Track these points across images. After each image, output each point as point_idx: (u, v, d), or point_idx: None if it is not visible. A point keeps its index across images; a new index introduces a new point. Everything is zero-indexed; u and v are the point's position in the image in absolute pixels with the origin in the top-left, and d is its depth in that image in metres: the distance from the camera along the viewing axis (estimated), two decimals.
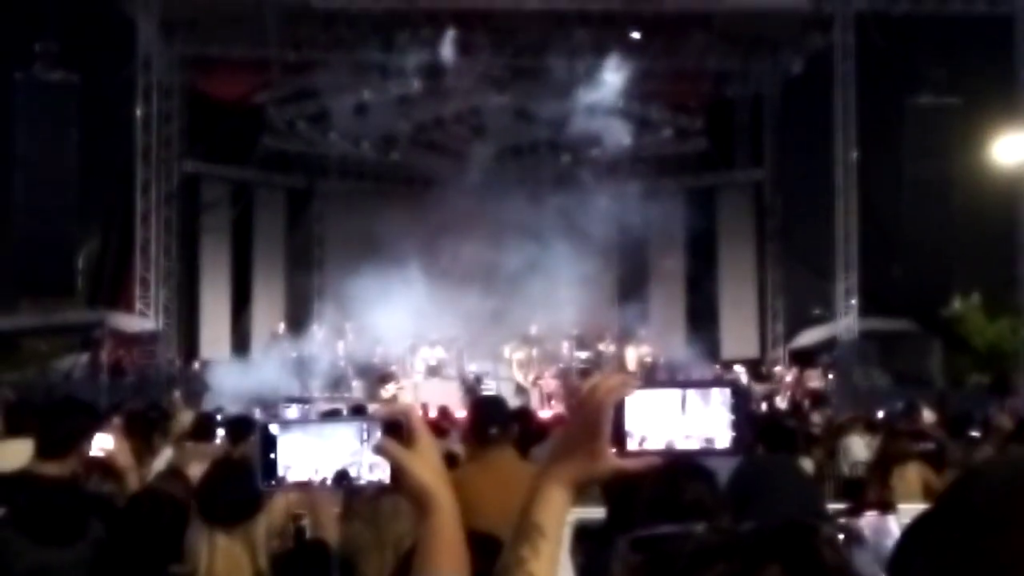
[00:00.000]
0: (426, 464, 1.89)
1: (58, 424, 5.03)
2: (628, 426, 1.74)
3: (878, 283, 26.15)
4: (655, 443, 1.75)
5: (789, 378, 26.54)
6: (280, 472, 1.94)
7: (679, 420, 1.74)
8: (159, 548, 3.92)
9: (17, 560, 4.18)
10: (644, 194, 28.40)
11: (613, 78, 26.67)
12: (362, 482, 1.96)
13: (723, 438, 1.73)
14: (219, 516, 3.77)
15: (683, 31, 27.72)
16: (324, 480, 1.95)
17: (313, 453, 1.94)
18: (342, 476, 1.94)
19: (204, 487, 4.00)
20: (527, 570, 1.74)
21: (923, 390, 24.62)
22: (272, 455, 1.94)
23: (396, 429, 1.90)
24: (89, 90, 24.22)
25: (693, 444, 1.74)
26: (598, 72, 26.78)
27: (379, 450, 1.89)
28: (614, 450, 1.74)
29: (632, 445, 1.74)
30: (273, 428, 1.96)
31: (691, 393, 1.75)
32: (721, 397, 1.74)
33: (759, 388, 25.64)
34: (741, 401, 1.76)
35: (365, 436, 1.92)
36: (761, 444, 7.29)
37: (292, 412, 11.93)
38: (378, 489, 1.99)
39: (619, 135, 29.52)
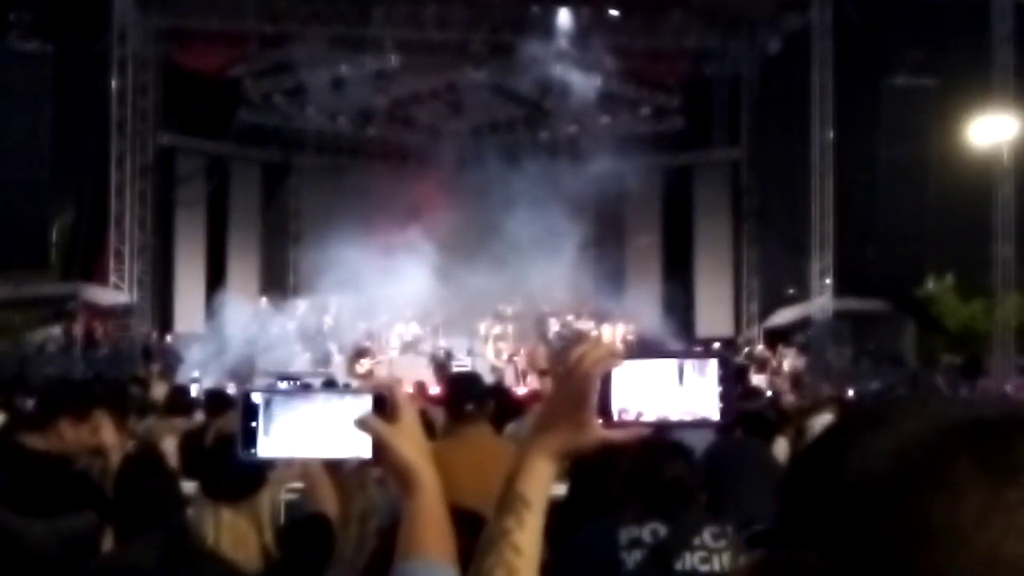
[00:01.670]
0: (409, 440, 1.87)
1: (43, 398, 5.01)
2: (624, 399, 1.74)
3: (853, 263, 26.25)
4: (650, 415, 1.75)
5: (765, 355, 26.62)
6: (260, 442, 1.94)
7: (672, 392, 1.74)
8: (150, 518, 3.91)
9: None
10: (621, 172, 28.42)
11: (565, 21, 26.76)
12: (343, 458, 1.96)
13: (713, 410, 1.73)
14: (224, 491, 3.77)
15: (661, 9, 27.74)
16: (304, 454, 1.95)
17: (295, 424, 1.93)
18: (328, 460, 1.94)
19: (207, 462, 4.00)
20: (511, 541, 1.73)
21: (896, 370, 24.85)
22: (253, 424, 1.93)
23: (381, 404, 1.89)
24: (64, 61, 23.98)
25: (685, 416, 1.74)
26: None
27: (362, 425, 1.86)
28: (600, 421, 1.73)
29: (628, 417, 1.74)
30: (255, 397, 1.95)
31: (684, 364, 1.75)
32: (710, 368, 1.75)
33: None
34: (728, 373, 1.76)
35: (348, 410, 1.91)
36: (740, 427, 7.36)
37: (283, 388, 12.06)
38: (359, 464, 1.97)
39: (595, 113, 29.55)
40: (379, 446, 1.86)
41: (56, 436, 4.91)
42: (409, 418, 1.89)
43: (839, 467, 0.94)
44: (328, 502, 4.37)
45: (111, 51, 25.82)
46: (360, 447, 1.90)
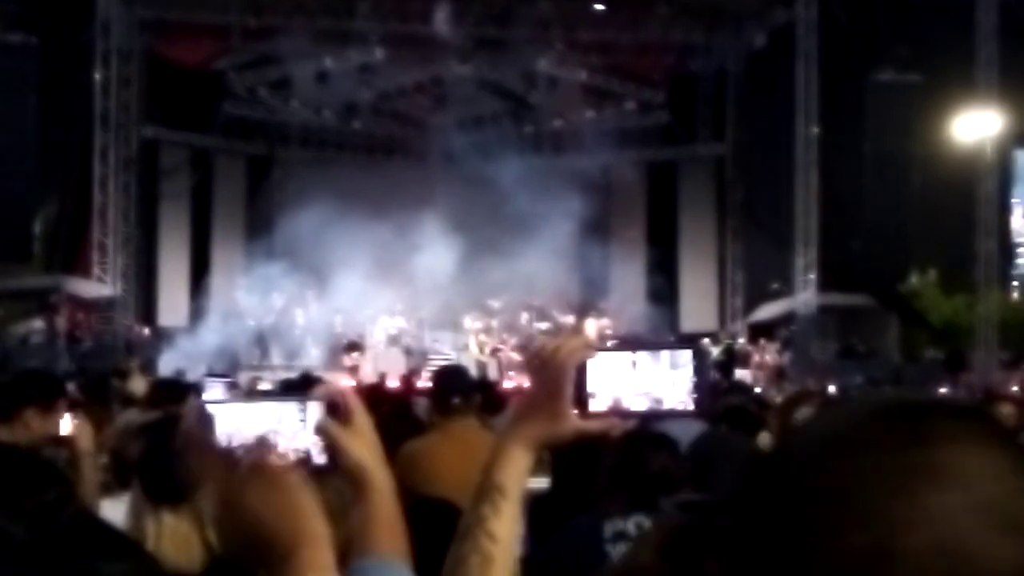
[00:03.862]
0: (363, 443, 1.91)
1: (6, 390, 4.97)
2: (600, 388, 1.76)
3: (837, 258, 26.31)
4: (625, 404, 1.77)
5: (748, 349, 26.69)
6: None
7: (646, 382, 1.76)
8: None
9: None
10: (605, 166, 28.46)
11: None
12: (286, 454, 1.96)
13: (687, 400, 1.75)
14: (164, 495, 3.67)
15: (647, 4, 27.72)
16: (245, 446, 1.95)
17: (248, 432, 1.94)
18: (261, 442, 1.94)
19: (145, 464, 3.87)
20: (487, 529, 1.77)
21: (879, 365, 24.92)
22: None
23: (334, 409, 1.91)
24: (47, 53, 23.88)
25: (660, 405, 1.77)
26: None
27: (319, 430, 1.90)
28: (576, 411, 1.76)
29: (602, 406, 1.77)
30: (208, 408, 1.96)
31: (659, 355, 1.77)
32: (683, 359, 1.76)
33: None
34: (702, 363, 1.78)
35: (303, 415, 1.93)
36: (724, 422, 7.38)
37: (216, 390, 11.79)
38: (314, 469, 1.98)
39: (580, 107, 29.59)
40: (334, 449, 1.90)
41: (23, 427, 4.89)
42: (361, 422, 1.92)
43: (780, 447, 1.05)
44: None
45: (95, 43, 25.72)
46: (314, 451, 1.93)
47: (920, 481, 0.90)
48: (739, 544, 0.99)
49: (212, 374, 18.24)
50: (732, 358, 26.12)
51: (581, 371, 1.77)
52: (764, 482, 0.99)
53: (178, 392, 9.48)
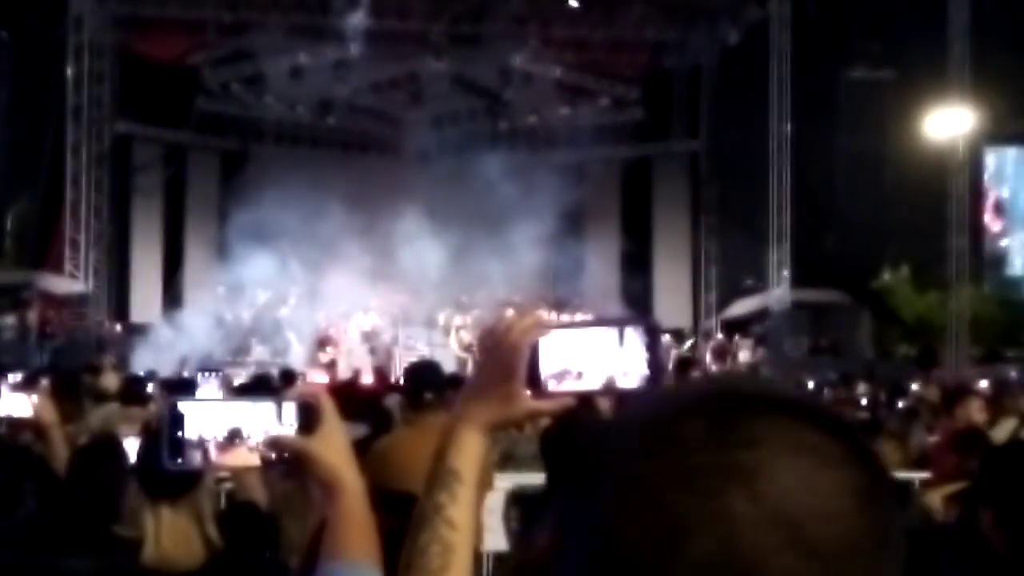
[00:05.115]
0: (330, 447, 1.87)
1: None
2: (586, 366, 1.74)
3: (810, 254, 26.41)
4: (578, 382, 1.74)
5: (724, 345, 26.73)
6: (187, 451, 1.92)
7: (600, 361, 1.73)
8: (101, 506, 3.84)
9: None
10: (580, 163, 28.46)
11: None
12: (255, 443, 1.94)
13: (639, 376, 1.72)
14: (162, 490, 3.68)
15: (621, 1, 27.74)
16: (218, 442, 1.93)
17: (222, 431, 1.92)
18: (234, 435, 1.92)
19: (144, 460, 3.89)
20: (445, 516, 1.73)
21: (852, 361, 25.03)
22: (180, 433, 1.91)
23: (306, 411, 1.89)
24: (19, 48, 23.82)
25: (617, 383, 1.74)
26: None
27: (275, 444, 1.88)
28: (528, 391, 1.73)
29: (567, 381, 1.74)
30: (182, 406, 1.93)
31: (607, 331, 1.74)
32: (636, 336, 1.74)
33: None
34: (656, 340, 1.76)
35: (278, 415, 1.90)
36: None
37: (210, 385, 11.77)
38: (283, 474, 1.96)
39: (555, 103, 29.58)
40: (299, 459, 1.87)
41: None
42: (331, 424, 1.89)
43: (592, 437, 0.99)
44: (256, 491, 4.35)
45: (67, 38, 25.56)
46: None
47: (720, 483, 0.87)
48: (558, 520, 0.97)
49: (206, 368, 18.17)
50: (693, 356, 26.13)
51: (534, 351, 1.72)
52: (587, 455, 0.97)
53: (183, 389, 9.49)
